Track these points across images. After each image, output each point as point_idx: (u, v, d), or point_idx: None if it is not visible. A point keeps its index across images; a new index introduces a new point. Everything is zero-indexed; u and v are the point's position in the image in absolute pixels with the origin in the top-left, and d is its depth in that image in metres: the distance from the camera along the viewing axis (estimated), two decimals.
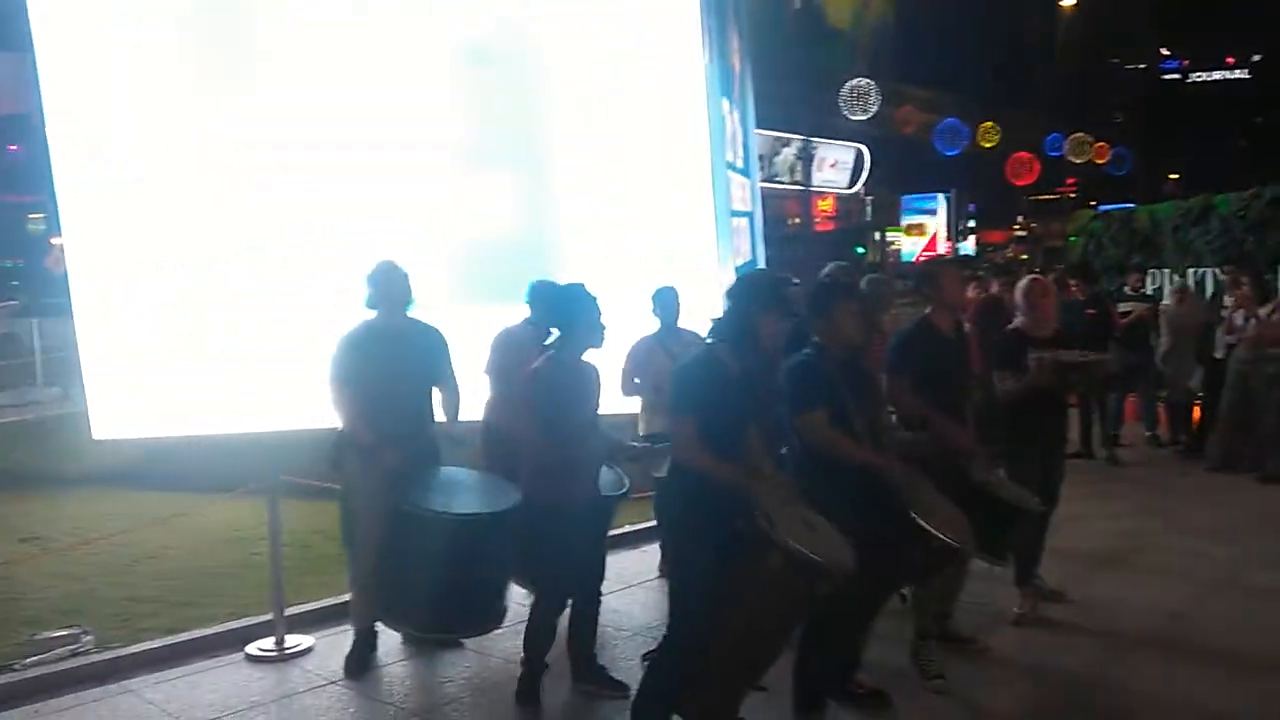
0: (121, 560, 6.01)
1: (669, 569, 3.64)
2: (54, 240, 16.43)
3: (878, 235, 35.92)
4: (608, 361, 4.83)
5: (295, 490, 5.35)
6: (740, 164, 9.34)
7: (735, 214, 8.76)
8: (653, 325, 5.60)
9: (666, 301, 5.59)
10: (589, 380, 4.19)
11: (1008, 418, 5.09)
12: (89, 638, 4.81)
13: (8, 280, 21.69)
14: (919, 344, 4.52)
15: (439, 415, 4.69)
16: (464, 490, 4.39)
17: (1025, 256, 34.06)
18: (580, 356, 4.14)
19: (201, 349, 7.57)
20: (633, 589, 5.64)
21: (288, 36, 7.34)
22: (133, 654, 4.74)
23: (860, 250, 31.71)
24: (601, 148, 7.22)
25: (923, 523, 3.73)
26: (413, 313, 4.63)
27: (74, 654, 4.69)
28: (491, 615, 4.28)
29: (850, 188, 31.11)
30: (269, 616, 4.92)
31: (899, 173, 33.72)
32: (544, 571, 4.18)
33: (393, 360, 4.45)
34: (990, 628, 4.99)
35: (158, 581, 5.73)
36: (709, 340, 3.65)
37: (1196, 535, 6.73)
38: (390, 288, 4.53)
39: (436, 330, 4.69)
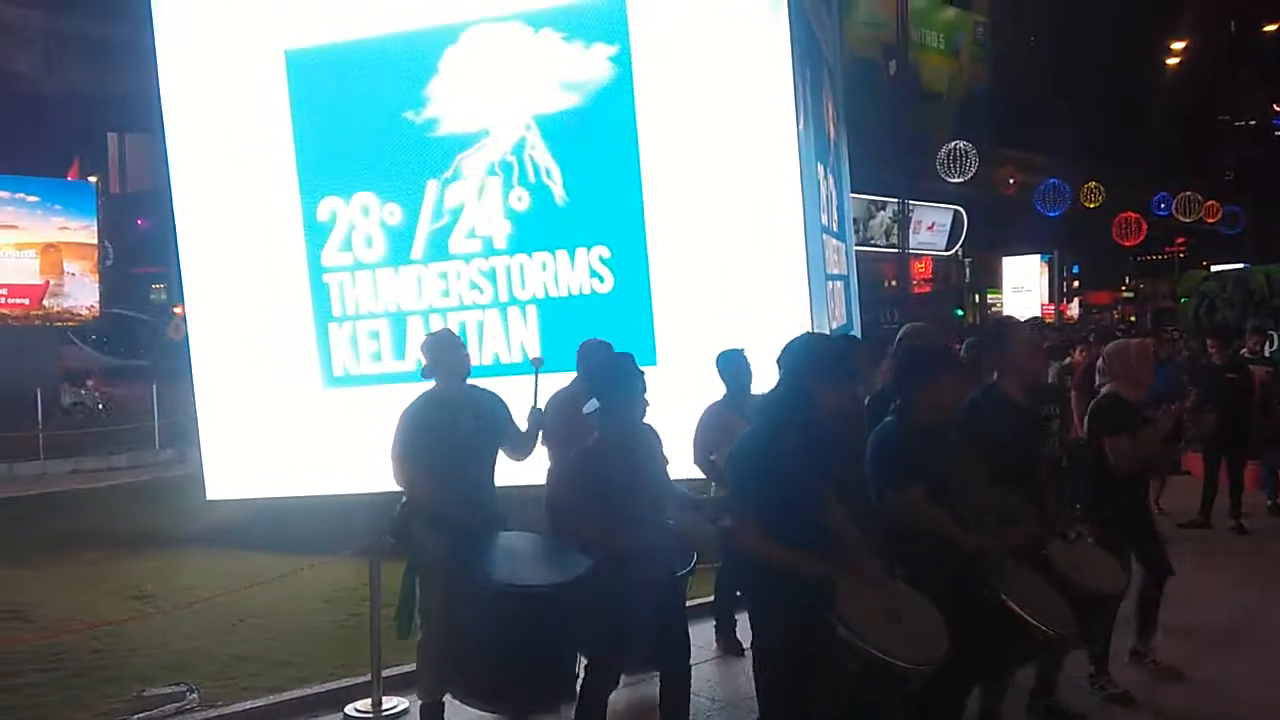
0: (228, 619, 6.18)
1: (754, 667, 3.49)
2: (176, 309, 17.30)
3: (977, 297, 35.28)
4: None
5: (395, 552, 5.44)
6: (835, 228, 9.35)
7: (830, 277, 8.74)
8: (720, 391, 5.45)
9: (736, 366, 5.39)
10: (645, 449, 4.04)
11: (1108, 485, 4.91)
12: (194, 695, 4.95)
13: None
14: (985, 413, 4.17)
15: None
16: (531, 560, 4.28)
17: (1133, 319, 32.98)
18: (629, 430, 3.99)
19: (311, 413, 7.85)
20: (726, 657, 5.55)
21: (392, 112, 7.67)
22: (235, 712, 4.85)
23: (959, 313, 31.15)
24: (694, 212, 7.29)
25: (1021, 612, 3.54)
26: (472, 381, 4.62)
27: (179, 711, 4.82)
28: (562, 691, 4.16)
29: (948, 250, 30.71)
30: (367, 678, 4.98)
31: (999, 234, 33.15)
32: (595, 648, 4.04)
33: (453, 429, 4.41)
34: (1100, 707, 4.77)
35: (262, 641, 5.87)
36: (761, 412, 3.41)
37: None
38: (446, 357, 4.51)
39: (496, 396, 4.65)
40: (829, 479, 3.39)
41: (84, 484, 12.33)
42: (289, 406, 7.91)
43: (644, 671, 4.63)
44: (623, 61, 7.33)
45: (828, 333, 7.51)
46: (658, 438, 4.13)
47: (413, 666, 5.10)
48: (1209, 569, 7.12)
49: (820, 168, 8.23)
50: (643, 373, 3.98)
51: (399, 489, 4.56)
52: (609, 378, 3.99)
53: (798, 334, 3.61)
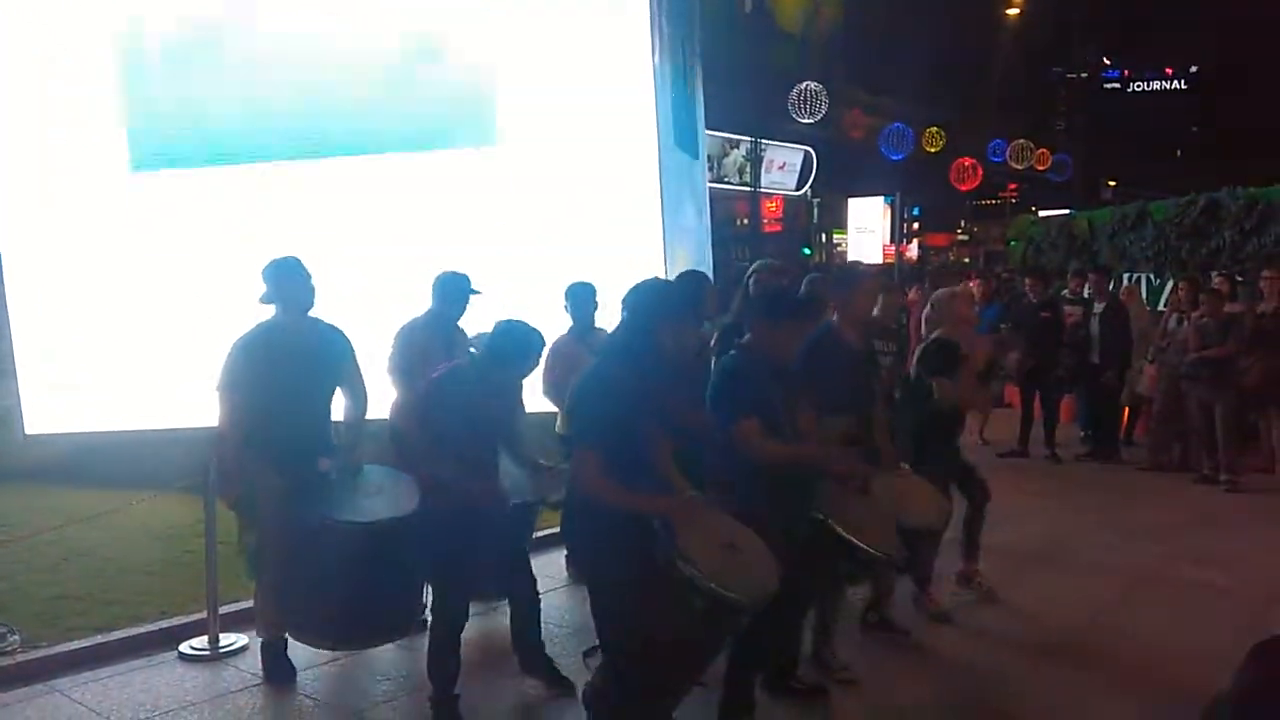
0: (50, 558, 5.86)
1: (592, 603, 3.50)
2: None
3: (824, 237, 36.23)
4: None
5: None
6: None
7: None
8: (566, 323, 5.46)
9: (582, 298, 5.38)
10: (503, 395, 4.03)
11: (929, 420, 5.19)
12: (15, 637, 4.68)
13: None
14: (822, 354, 4.34)
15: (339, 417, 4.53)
16: (368, 493, 4.21)
17: (967, 260, 34.60)
18: (493, 377, 3.94)
19: (136, 345, 7.45)
20: (572, 586, 5.63)
21: (230, 33, 7.26)
22: (60, 653, 4.63)
23: (807, 251, 31.96)
24: (548, 143, 7.21)
25: (845, 534, 3.73)
26: (315, 313, 4.43)
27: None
28: (404, 622, 4.19)
29: (798, 190, 31.31)
30: (202, 615, 4.84)
31: (846, 176, 34.03)
32: (438, 582, 4.05)
33: (292, 365, 4.24)
34: (922, 624, 5.09)
35: (87, 580, 5.59)
36: (602, 353, 3.46)
37: (1127, 533, 6.90)
38: (290, 286, 4.31)
39: (340, 331, 4.48)
40: (664, 420, 3.45)
41: None
42: (110, 338, 7.50)
43: (495, 600, 4.67)
44: None
45: (682, 266, 7.61)
46: (517, 389, 4.17)
47: (251, 602, 4.99)
48: (1025, 495, 7.64)
49: (674, 101, 8.23)
50: (543, 343, 3.98)
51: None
52: (512, 354, 3.91)
53: (645, 276, 3.67)
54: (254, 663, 4.60)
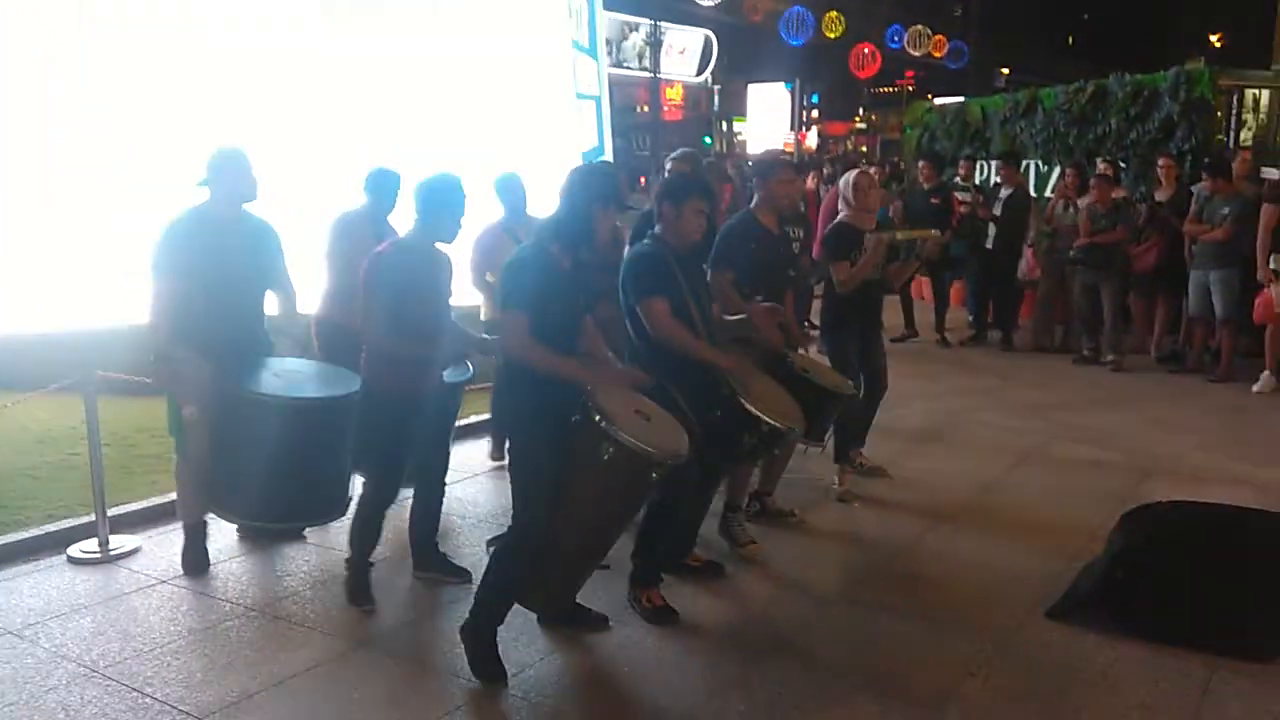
0: None
1: (509, 462, 3.62)
2: None
3: (724, 125, 35.97)
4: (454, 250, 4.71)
5: (114, 387, 5.06)
6: (586, 44, 9.12)
7: (581, 96, 8.59)
8: (497, 213, 5.49)
9: (511, 188, 5.49)
10: (440, 268, 4.02)
11: (833, 305, 5.31)
12: None
13: None
14: (741, 238, 4.59)
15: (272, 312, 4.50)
16: (302, 378, 4.26)
17: (865, 149, 34.85)
18: (431, 245, 3.97)
19: (11, 243, 7.01)
20: (477, 478, 5.65)
21: None
22: None
23: (708, 140, 31.72)
24: (444, 22, 6.93)
25: (752, 409, 3.88)
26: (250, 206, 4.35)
27: None
28: (333, 504, 4.24)
29: (698, 75, 30.89)
30: (91, 518, 4.70)
31: (747, 61, 33.66)
32: (377, 461, 4.08)
33: (225, 253, 4.17)
34: (811, 502, 5.24)
35: None
36: (543, 229, 3.55)
37: (1012, 412, 7.20)
38: (230, 175, 4.23)
39: (270, 226, 4.43)
40: (592, 297, 3.63)
41: None
42: None
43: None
44: None
45: (580, 154, 7.49)
46: (451, 269, 4.11)
47: (141, 504, 4.89)
48: (916, 378, 7.89)
49: None
50: (465, 195, 3.94)
51: (142, 318, 4.24)
52: (441, 196, 3.89)
53: (587, 163, 3.71)
54: (147, 564, 4.51)
